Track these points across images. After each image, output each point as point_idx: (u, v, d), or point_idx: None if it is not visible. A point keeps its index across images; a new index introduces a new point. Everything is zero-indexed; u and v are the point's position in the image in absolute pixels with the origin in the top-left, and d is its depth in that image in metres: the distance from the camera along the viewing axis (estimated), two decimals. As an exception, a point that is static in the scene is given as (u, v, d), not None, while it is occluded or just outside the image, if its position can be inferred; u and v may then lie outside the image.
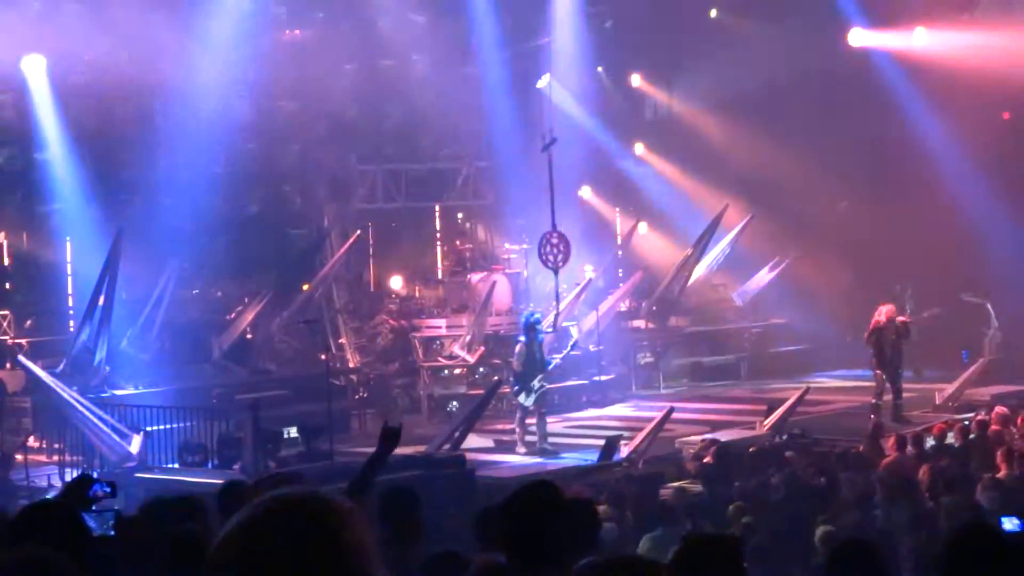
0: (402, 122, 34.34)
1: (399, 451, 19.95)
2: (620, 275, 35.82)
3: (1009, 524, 5.70)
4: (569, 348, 26.47)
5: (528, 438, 23.97)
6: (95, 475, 8.01)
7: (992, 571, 4.90)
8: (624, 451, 22.24)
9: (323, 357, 26.87)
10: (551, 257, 29.11)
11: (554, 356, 25.56)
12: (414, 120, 34.50)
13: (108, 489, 7.04)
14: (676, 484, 19.10)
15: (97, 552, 5.56)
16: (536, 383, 24.20)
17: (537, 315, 25.68)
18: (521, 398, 24.22)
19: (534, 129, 30.58)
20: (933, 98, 33.51)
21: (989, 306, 32.17)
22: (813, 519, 15.45)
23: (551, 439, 24.17)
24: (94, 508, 6.63)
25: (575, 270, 31.36)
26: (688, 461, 21.20)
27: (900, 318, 26.67)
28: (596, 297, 32.56)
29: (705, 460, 20.50)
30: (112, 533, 6.16)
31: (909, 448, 20.97)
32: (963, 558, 5.08)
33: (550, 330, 28.44)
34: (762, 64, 34.41)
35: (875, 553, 7.04)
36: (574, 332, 29.66)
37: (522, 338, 24.69)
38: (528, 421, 24.21)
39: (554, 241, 29.12)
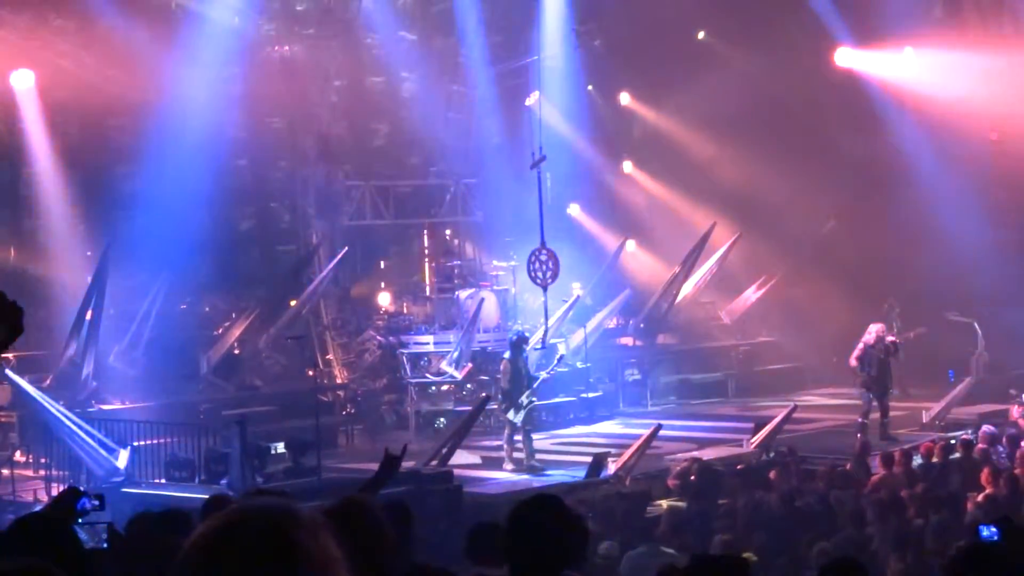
0: (390, 139, 34.40)
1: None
2: (608, 292, 35.83)
3: (986, 532, 5.73)
4: (555, 364, 26.42)
5: (516, 455, 23.94)
6: (83, 489, 7.98)
7: None
8: (611, 468, 22.25)
9: (311, 373, 26.85)
10: (540, 274, 29.20)
11: (540, 372, 25.53)
12: (403, 137, 34.56)
13: (96, 502, 7.03)
14: (664, 502, 19.11)
15: (90, 565, 5.56)
16: (524, 399, 24.19)
17: (525, 332, 25.68)
18: (510, 415, 24.19)
19: (523, 146, 30.65)
20: (921, 118, 33.61)
21: (976, 326, 32.20)
22: (804, 538, 15.48)
23: (538, 455, 24.14)
24: (82, 521, 6.61)
25: (563, 287, 31.39)
26: (670, 479, 21.22)
27: (889, 337, 26.75)
28: (584, 314, 32.59)
29: (691, 478, 20.53)
30: (105, 545, 6.16)
31: (896, 467, 21.04)
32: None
33: (539, 347, 28.50)
34: (749, 83, 34.50)
35: (862, 572, 7.05)
36: (561, 348, 29.63)
37: (507, 355, 24.67)
38: (516, 438, 24.19)
39: (543, 258, 29.23)
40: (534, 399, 24.65)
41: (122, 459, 22.25)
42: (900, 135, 34.23)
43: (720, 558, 5.65)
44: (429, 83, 34.55)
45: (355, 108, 33.20)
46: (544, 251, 29.40)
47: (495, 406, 25.54)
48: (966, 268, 32.67)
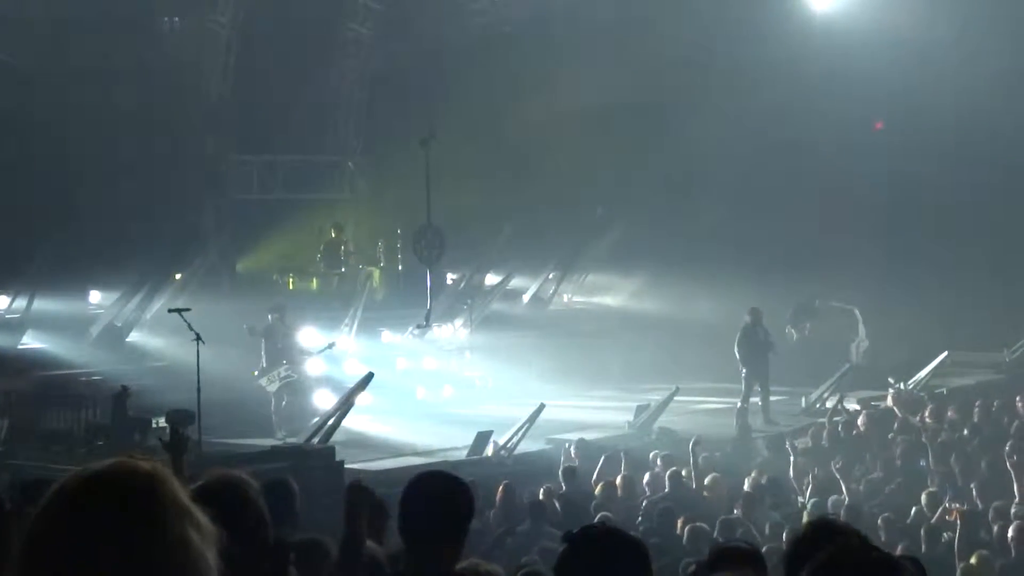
0: (279, 114, 34.08)
1: (270, 443, 20.04)
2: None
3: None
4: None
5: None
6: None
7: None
8: (494, 447, 22.33)
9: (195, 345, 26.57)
10: (426, 252, 29.22)
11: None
12: (291, 113, 34.30)
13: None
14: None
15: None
16: (282, 371, 25.18)
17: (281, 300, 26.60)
18: (263, 383, 25.24)
19: (415, 124, 30.62)
20: (805, 104, 33.64)
21: (857, 313, 32.67)
22: (680, 517, 15.64)
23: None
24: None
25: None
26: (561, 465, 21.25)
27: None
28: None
29: (573, 461, 20.62)
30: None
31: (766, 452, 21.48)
32: (800, 552, 5.24)
33: (423, 325, 28.70)
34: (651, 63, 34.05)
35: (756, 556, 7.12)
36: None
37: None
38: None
39: (429, 236, 29.24)
40: (292, 374, 25.40)
41: (0, 430, 22.05)
42: (792, 115, 34.07)
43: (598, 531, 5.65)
44: (321, 57, 34.36)
45: (243, 81, 32.89)
46: (431, 229, 29.44)
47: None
48: (847, 257, 33.16)
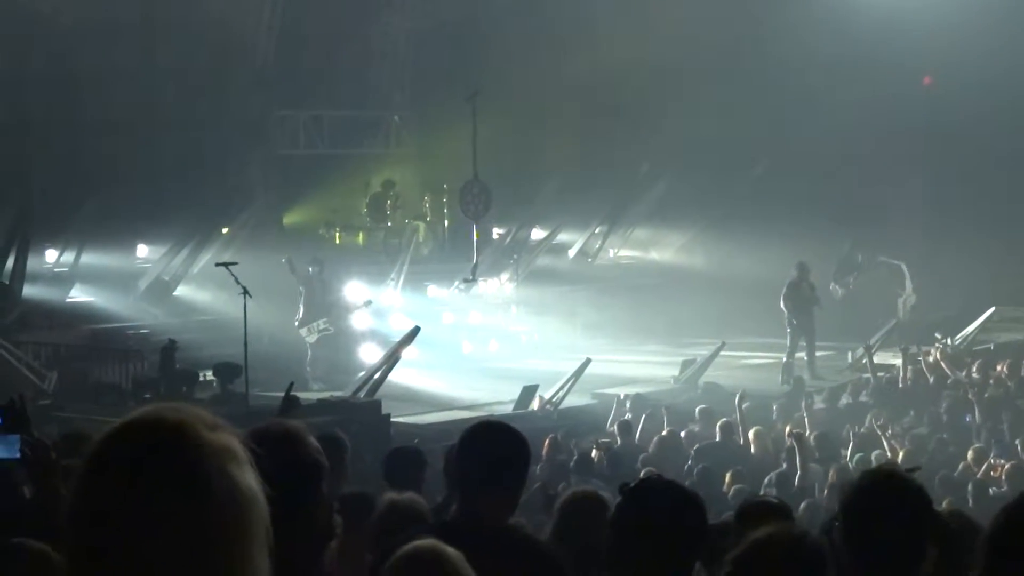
0: (325, 68, 34.05)
1: (317, 395, 20.20)
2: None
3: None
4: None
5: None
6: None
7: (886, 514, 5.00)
8: (540, 401, 22.36)
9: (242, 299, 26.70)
10: (472, 207, 29.20)
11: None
12: (336, 67, 34.24)
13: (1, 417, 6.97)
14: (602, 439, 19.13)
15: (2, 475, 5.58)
16: (321, 323, 25.83)
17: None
18: (303, 333, 25.91)
19: (461, 79, 30.56)
20: (854, 58, 33.36)
21: (905, 268, 32.48)
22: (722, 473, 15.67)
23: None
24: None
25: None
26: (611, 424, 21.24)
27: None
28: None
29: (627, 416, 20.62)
30: (18, 456, 6.16)
31: (820, 404, 21.41)
32: (862, 502, 5.18)
33: (469, 279, 28.73)
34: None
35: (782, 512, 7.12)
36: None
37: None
38: None
39: (475, 191, 29.20)
40: (329, 328, 26.04)
41: (50, 383, 22.21)
42: (835, 76, 33.82)
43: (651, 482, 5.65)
44: (364, 11, 34.26)
45: (288, 36, 32.82)
46: (477, 184, 29.40)
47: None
48: (896, 214, 32.95)
